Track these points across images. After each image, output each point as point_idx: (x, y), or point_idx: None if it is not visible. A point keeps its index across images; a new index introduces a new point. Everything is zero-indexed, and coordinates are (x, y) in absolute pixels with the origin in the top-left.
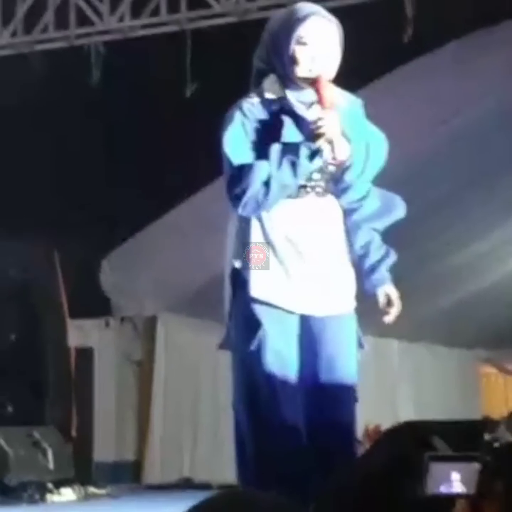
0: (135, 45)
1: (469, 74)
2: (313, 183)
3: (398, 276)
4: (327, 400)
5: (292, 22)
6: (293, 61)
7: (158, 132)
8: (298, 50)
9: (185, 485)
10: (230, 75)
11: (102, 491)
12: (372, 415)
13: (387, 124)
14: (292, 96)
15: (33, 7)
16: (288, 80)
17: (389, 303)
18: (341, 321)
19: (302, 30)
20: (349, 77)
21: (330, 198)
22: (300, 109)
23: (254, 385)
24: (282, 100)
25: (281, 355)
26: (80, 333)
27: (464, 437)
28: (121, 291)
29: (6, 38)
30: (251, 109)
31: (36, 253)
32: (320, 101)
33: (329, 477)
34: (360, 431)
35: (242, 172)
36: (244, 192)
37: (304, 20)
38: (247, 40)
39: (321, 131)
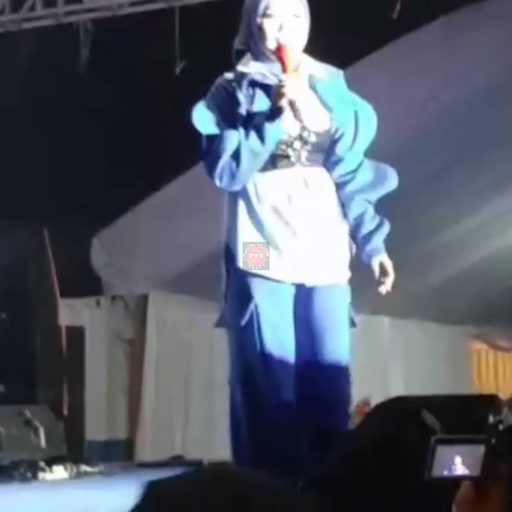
0: (124, 22)
1: (458, 49)
2: (296, 153)
3: (388, 251)
4: (318, 375)
5: None
6: (260, 33)
7: (148, 110)
8: (265, 22)
9: (177, 463)
10: (219, 52)
11: (94, 469)
12: (363, 392)
13: (376, 100)
14: (264, 68)
15: None
16: (260, 54)
17: (384, 273)
18: (333, 291)
19: (267, 3)
20: (338, 53)
21: (319, 169)
22: (272, 81)
23: (248, 362)
24: (254, 73)
25: (276, 329)
26: (70, 312)
27: (453, 412)
28: (112, 270)
29: None
30: (224, 85)
31: (25, 232)
32: (283, 66)
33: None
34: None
35: (213, 144)
36: (216, 163)
37: None
38: (236, 16)
39: (282, 91)
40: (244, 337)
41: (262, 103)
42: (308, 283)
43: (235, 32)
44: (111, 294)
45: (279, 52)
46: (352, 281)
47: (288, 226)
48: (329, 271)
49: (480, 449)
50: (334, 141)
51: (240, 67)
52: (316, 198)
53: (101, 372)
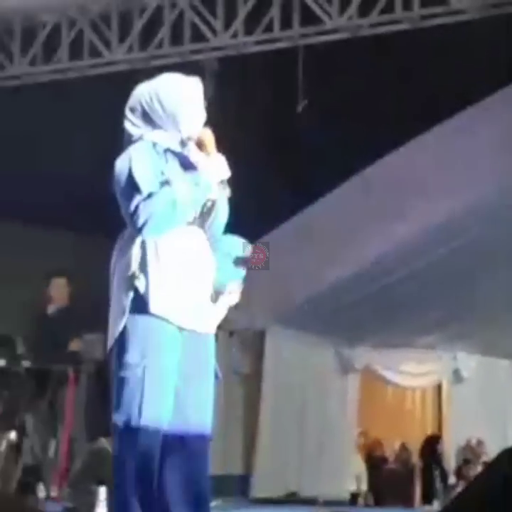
0: (248, 60)
1: None
2: (197, 215)
3: (505, 292)
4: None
5: None
6: (181, 119)
7: (271, 147)
8: (188, 110)
9: (292, 499)
10: (340, 91)
11: (211, 504)
12: (479, 434)
13: (486, 149)
14: (168, 138)
15: (149, 23)
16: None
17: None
18: (210, 341)
19: (190, 95)
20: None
21: (203, 232)
22: (186, 153)
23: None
24: (166, 143)
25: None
26: None
27: None
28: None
29: (121, 53)
30: (149, 150)
31: None
32: (206, 150)
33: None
34: (457, 445)
35: (148, 197)
36: (151, 215)
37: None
38: (359, 56)
39: (207, 172)
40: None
41: (175, 169)
42: (197, 329)
43: (356, 71)
44: (228, 329)
45: (201, 140)
46: (462, 323)
47: (186, 277)
48: (209, 320)
49: None
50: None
51: (154, 138)
52: (205, 255)
53: (217, 407)
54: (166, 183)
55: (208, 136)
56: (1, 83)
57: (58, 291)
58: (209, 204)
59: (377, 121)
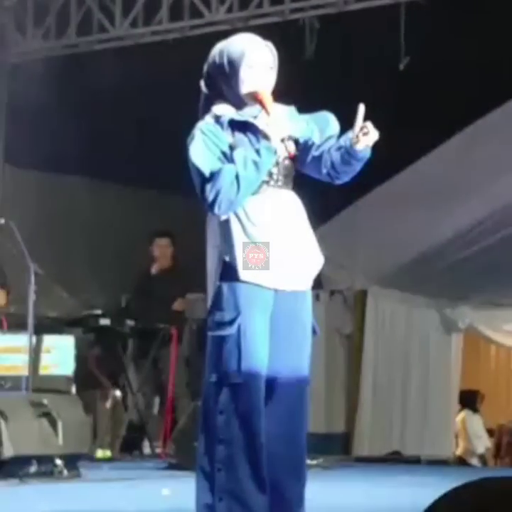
0: (349, 18)
1: None
2: (274, 178)
3: None
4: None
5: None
6: (241, 81)
7: (373, 105)
8: (247, 73)
9: (395, 458)
10: (443, 48)
11: (313, 462)
12: None
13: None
14: (233, 110)
15: None
16: (234, 97)
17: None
18: (306, 298)
19: (250, 57)
20: None
21: (289, 191)
22: (250, 120)
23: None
24: (231, 115)
25: (257, 342)
26: None
27: None
28: (332, 265)
29: (221, 13)
30: (209, 128)
31: None
32: (264, 109)
33: None
34: None
35: (212, 178)
36: (217, 194)
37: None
38: (463, 12)
39: (271, 133)
40: (228, 345)
41: (242, 138)
42: (289, 288)
43: (458, 27)
44: (330, 289)
45: (259, 98)
46: None
47: (274, 239)
48: (304, 277)
49: None
50: (308, 147)
51: (218, 111)
52: (291, 213)
53: (319, 366)
54: (228, 159)
55: (267, 96)
56: (103, 45)
57: (161, 252)
58: (287, 163)
59: (481, 78)
